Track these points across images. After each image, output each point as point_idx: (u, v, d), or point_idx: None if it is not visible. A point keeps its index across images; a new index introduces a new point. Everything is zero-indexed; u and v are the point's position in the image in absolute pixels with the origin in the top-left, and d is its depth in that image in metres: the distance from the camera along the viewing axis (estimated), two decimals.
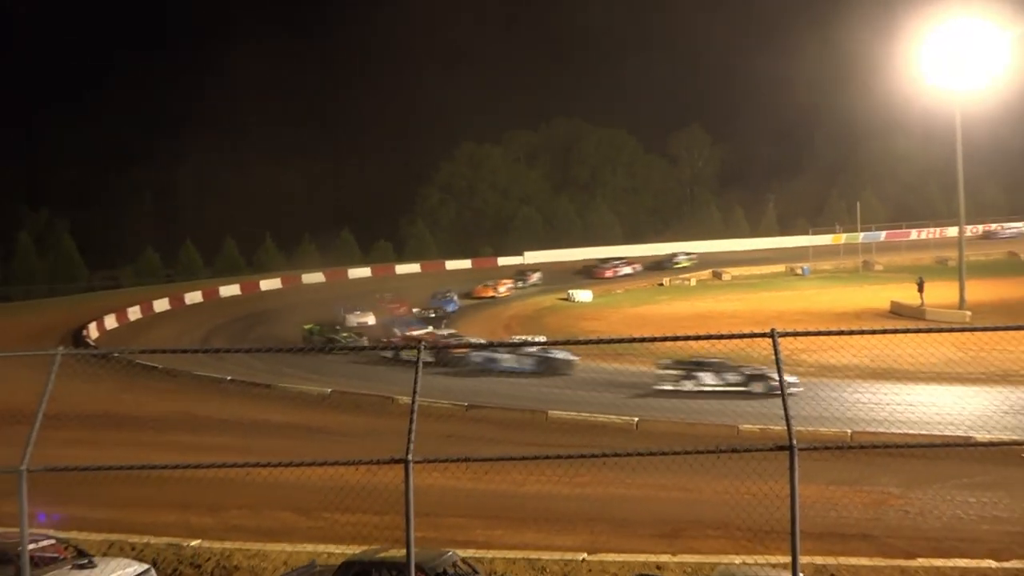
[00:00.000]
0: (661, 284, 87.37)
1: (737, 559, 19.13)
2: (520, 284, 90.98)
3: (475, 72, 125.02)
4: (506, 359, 48.44)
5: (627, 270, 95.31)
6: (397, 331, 59.54)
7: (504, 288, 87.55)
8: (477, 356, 48.88)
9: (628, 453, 13.55)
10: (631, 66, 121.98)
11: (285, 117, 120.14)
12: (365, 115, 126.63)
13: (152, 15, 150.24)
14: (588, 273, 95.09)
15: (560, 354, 48.19)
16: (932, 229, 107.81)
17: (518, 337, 56.93)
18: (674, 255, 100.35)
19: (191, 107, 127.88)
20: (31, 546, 16.06)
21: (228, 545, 20.95)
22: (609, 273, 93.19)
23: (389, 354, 51.99)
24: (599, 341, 46.55)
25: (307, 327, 63.79)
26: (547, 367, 48.02)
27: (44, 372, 13.16)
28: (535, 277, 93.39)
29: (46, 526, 20.45)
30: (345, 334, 61.52)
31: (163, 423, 38.20)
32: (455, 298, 79.31)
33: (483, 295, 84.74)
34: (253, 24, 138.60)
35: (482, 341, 56.04)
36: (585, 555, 20.02)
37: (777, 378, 12.60)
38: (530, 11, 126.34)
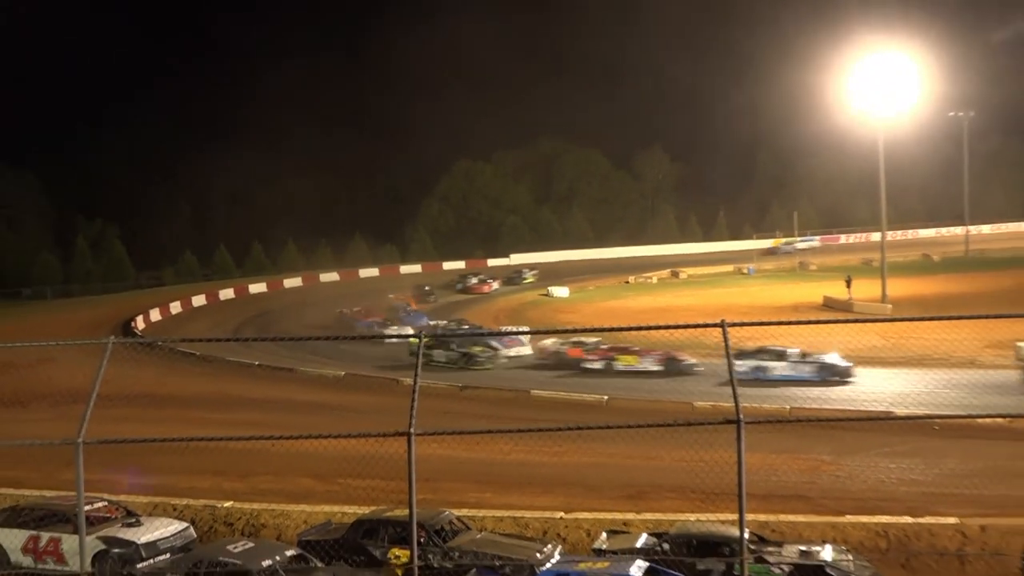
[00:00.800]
0: (627, 282, 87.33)
1: (692, 516, 19.18)
2: (517, 280, 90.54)
3: (470, 98, 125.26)
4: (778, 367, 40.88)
5: (495, 285, 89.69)
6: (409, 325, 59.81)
7: (488, 287, 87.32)
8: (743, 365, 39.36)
9: (599, 426, 13.59)
10: (603, 93, 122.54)
11: (305, 137, 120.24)
12: (375, 135, 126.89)
13: (177, 46, 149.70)
14: (465, 289, 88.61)
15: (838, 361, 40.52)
16: (859, 234, 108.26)
17: (506, 327, 56.85)
18: (520, 271, 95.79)
19: (223, 125, 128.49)
20: (87, 507, 16.11)
21: (256, 506, 20.96)
22: (486, 288, 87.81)
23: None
24: (578, 330, 46.71)
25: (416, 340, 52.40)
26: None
27: (98, 358, 13.17)
28: (530, 275, 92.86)
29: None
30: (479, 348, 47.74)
31: (200, 402, 38.24)
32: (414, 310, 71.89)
33: (477, 291, 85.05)
34: (279, 53, 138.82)
35: (486, 330, 56.35)
36: (562, 514, 20.06)
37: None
38: (519, 43, 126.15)
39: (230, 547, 16.53)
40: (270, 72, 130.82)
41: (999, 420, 28.97)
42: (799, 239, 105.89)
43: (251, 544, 16.80)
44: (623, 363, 42.40)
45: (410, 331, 53.81)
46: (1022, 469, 23.68)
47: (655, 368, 42.15)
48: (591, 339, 44.01)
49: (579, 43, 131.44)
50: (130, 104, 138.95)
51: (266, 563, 15.72)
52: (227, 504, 21.05)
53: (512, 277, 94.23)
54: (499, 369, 45.53)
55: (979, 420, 29.52)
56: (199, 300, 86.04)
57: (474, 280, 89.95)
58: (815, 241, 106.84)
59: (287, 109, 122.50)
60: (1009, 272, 75.24)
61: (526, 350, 48.16)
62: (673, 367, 41.64)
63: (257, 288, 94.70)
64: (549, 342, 45.79)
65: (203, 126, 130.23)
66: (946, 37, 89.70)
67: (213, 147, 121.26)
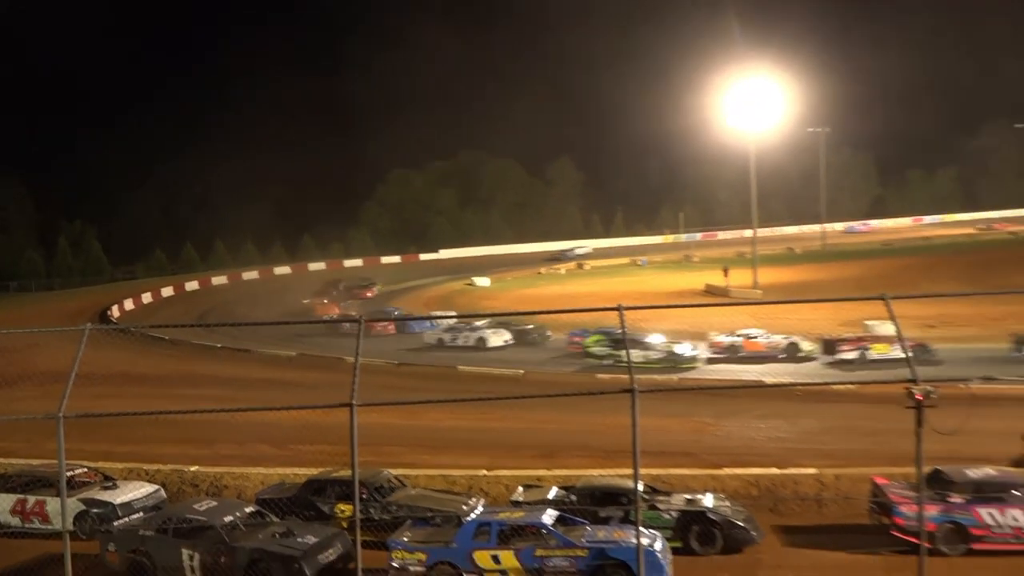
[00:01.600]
0: (540, 272, 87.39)
1: (596, 472, 19.30)
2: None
3: (406, 114, 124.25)
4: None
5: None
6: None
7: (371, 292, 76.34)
8: None
9: (515, 396, 13.63)
10: (520, 109, 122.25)
11: (264, 147, 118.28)
12: (324, 147, 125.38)
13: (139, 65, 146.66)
14: (351, 294, 74.05)
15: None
16: (734, 231, 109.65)
17: (437, 312, 56.62)
18: (368, 282, 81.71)
19: (193, 134, 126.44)
20: (68, 473, 15.86)
21: (219, 470, 20.63)
22: (369, 294, 74.52)
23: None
24: (497, 314, 46.73)
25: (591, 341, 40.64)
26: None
27: (77, 343, 12.96)
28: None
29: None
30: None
31: (169, 380, 37.57)
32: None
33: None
34: (247, 72, 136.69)
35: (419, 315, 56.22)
36: (485, 471, 20.05)
37: None
38: (447, 66, 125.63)
39: (196, 505, 16.32)
40: (237, 87, 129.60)
41: (850, 386, 29.60)
42: (577, 244, 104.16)
43: (214, 502, 16.59)
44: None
45: (354, 315, 53.31)
46: (867, 427, 24.18)
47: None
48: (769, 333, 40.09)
49: (500, 65, 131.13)
50: (109, 115, 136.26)
51: (228, 518, 15.55)
52: (193, 468, 20.70)
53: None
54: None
55: (833, 387, 30.19)
56: (168, 291, 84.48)
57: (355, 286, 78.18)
58: (588, 248, 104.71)
59: (249, 121, 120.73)
60: (857, 262, 77.10)
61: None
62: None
63: (219, 280, 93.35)
64: (721, 336, 40.13)
65: (174, 135, 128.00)
66: (808, 64, 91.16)
67: (183, 154, 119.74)
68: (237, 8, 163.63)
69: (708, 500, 17.08)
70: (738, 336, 39.25)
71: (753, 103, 64.24)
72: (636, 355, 40.10)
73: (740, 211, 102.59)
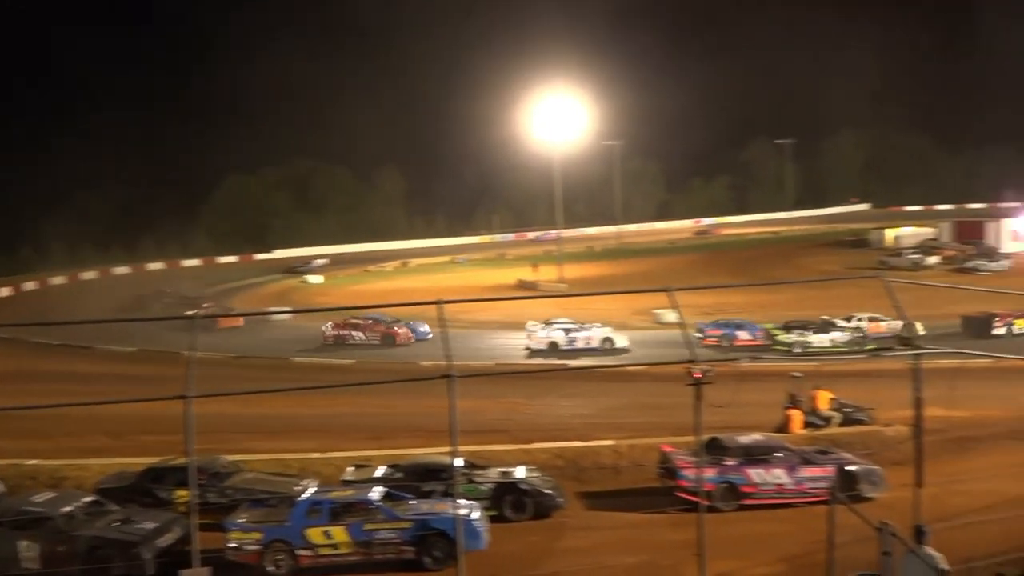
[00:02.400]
0: (367, 270, 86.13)
1: (420, 450, 19.30)
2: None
3: (239, 122, 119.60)
4: None
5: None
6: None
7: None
8: None
9: (343, 384, 13.42)
10: (351, 117, 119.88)
11: (103, 147, 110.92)
12: (163, 149, 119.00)
13: None
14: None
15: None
16: (543, 232, 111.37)
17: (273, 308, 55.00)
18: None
19: (36, 134, 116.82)
20: None
21: (58, 462, 19.47)
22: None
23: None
24: (329, 309, 45.89)
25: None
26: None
27: None
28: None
29: None
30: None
31: (9, 377, 34.97)
32: None
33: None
34: (67, 71, 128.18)
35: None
36: (317, 454, 19.74)
37: None
38: (286, 72, 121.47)
39: (34, 498, 15.35)
40: (76, 88, 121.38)
41: (643, 367, 30.60)
42: (318, 254, 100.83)
43: (53, 494, 15.64)
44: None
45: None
46: (656, 402, 25.01)
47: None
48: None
49: (336, 76, 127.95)
50: None
51: (66, 509, 14.68)
52: (32, 462, 19.42)
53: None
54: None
55: (628, 367, 31.18)
56: (6, 292, 78.80)
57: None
58: (326, 260, 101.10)
59: (88, 124, 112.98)
60: (647, 258, 79.94)
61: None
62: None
63: (58, 280, 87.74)
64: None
65: (10, 134, 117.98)
66: (606, 84, 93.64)
67: (26, 152, 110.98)
68: (78, 6, 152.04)
69: (520, 472, 17.35)
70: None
71: (557, 117, 65.73)
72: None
73: (547, 213, 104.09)
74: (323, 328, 42.57)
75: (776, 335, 36.42)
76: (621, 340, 38.12)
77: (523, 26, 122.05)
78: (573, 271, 66.99)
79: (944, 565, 9.66)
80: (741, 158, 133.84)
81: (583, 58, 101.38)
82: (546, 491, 16.92)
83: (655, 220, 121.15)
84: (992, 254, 63.14)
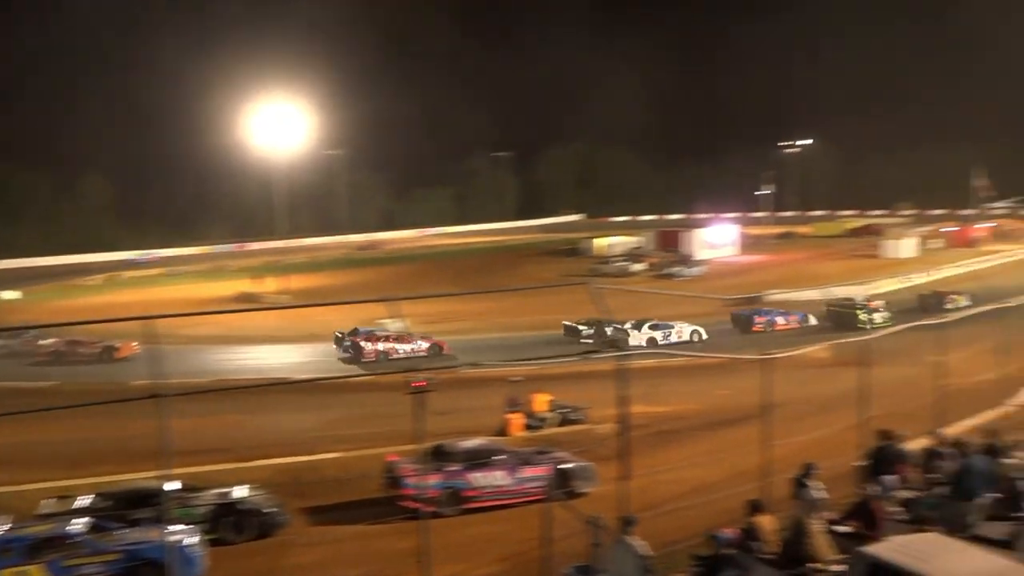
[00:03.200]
0: (73, 284, 79.20)
1: (132, 476, 18.05)
2: None
3: None
4: None
5: None
6: None
7: None
8: None
9: (38, 409, 12.27)
10: (52, 122, 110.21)
11: None
12: None
13: None
14: None
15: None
16: (265, 242, 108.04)
17: None
18: None
19: None
20: None
21: None
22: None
23: None
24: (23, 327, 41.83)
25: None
26: None
27: None
28: None
29: None
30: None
31: None
32: None
33: None
34: None
35: None
36: (6, 487, 17.96)
37: None
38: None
39: None
40: None
41: (370, 378, 30.43)
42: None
43: None
44: None
45: None
46: (383, 412, 24.84)
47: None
48: None
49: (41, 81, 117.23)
50: None
51: None
52: None
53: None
54: None
55: (354, 379, 30.96)
56: None
57: None
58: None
59: None
60: (374, 268, 79.90)
61: None
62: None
63: None
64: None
65: None
66: (327, 93, 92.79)
67: None
68: None
69: (239, 492, 16.72)
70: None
71: (278, 125, 64.29)
72: None
73: (270, 223, 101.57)
74: (39, 343, 39.41)
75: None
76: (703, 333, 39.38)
77: (243, 33, 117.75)
78: (298, 282, 65.55)
79: (646, 551, 10.40)
80: (463, 169, 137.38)
81: (305, 67, 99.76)
82: (268, 509, 16.42)
83: (379, 231, 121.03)
84: (688, 261, 69.09)
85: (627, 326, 38.60)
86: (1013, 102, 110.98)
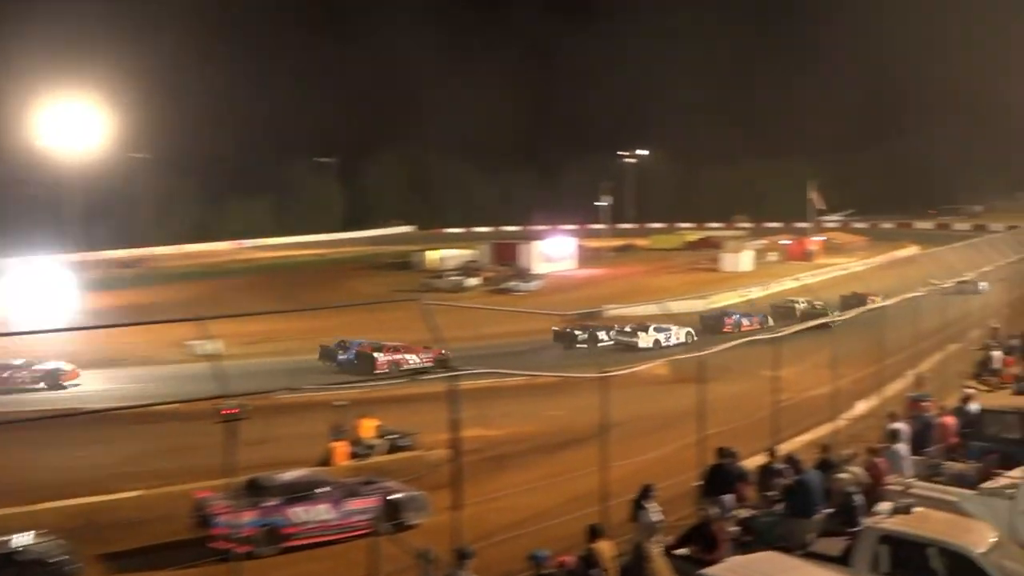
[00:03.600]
0: None
1: None
2: None
3: None
4: None
5: None
6: None
7: None
8: None
9: None
10: None
11: None
12: None
13: None
14: None
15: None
16: (58, 256, 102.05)
17: None
18: None
19: None
20: None
21: None
22: None
23: None
24: None
25: None
26: None
27: None
28: None
29: None
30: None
31: None
32: None
33: None
34: None
35: None
36: None
37: None
38: None
39: None
40: None
41: (176, 405, 29.06)
42: None
43: None
44: None
45: None
46: (190, 443, 23.77)
47: None
48: None
49: None
50: None
51: None
52: None
53: None
54: None
55: (157, 407, 29.40)
56: None
57: None
58: None
59: None
60: (185, 284, 76.90)
61: None
62: None
63: None
64: None
65: None
66: (131, 92, 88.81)
67: None
68: None
69: (20, 539, 15.60)
70: None
71: (71, 126, 61.22)
72: None
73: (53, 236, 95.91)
74: None
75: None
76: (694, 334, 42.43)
77: (33, 21, 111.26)
78: (96, 300, 62.20)
79: None
80: (283, 176, 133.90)
81: (103, 61, 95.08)
82: (55, 559, 15.38)
83: (192, 241, 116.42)
84: (525, 275, 70.09)
85: (631, 328, 42.63)
86: (846, 116, 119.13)
